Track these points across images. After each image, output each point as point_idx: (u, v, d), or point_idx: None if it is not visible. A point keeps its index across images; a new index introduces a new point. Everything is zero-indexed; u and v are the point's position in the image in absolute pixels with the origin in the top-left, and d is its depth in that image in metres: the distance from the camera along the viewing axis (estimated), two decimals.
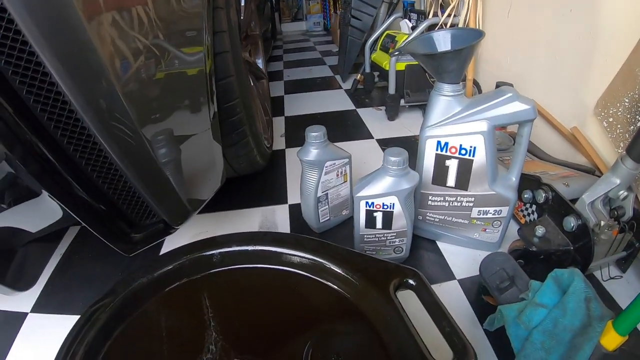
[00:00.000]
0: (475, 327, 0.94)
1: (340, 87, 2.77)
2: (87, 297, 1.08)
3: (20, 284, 0.81)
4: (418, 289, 0.72)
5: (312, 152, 1.08)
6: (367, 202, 0.97)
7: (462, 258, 1.13)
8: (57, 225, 0.81)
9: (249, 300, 0.82)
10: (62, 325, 1.01)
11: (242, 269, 0.84)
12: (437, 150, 0.99)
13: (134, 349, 0.72)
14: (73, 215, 0.70)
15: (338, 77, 2.99)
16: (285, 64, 3.64)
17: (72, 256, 1.23)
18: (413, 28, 2.10)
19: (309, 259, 0.81)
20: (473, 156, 0.97)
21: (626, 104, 1.06)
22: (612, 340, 0.67)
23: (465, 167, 0.99)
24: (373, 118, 2.18)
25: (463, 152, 0.97)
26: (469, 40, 0.90)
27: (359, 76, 2.57)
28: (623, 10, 1.11)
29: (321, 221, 1.21)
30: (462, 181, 1.02)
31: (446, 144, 0.97)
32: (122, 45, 0.65)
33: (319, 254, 0.80)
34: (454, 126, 0.95)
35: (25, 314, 1.05)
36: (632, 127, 1.05)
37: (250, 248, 0.85)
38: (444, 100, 0.95)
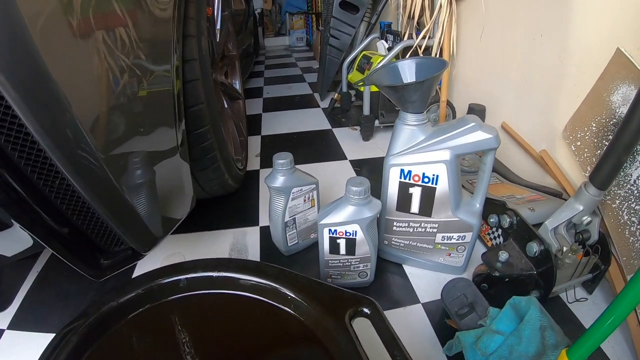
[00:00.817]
0: (436, 350, 0.96)
1: (318, 106, 2.81)
2: (63, 314, 1.09)
3: None
4: (373, 317, 0.73)
5: (279, 179, 1.09)
6: (330, 230, 0.98)
7: (427, 281, 1.15)
8: (31, 251, 0.81)
9: (214, 324, 0.84)
10: (38, 342, 1.02)
11: (207, 294, 0.85)
12: (400, 178, 1.01)
13: None
14: (42, 243, 0.71)
15: (317, 95, 3.00)
16: (266, 80, 3.66)
17: (48, 273, 1.24)
18: (389, 49, 2.12)
19: (269, 285, 0.82)
20: (436, 184, 0.99)
21: (593, 128, 1.09)
22: None
23: (428, 195, 1.01)
24: (348, 138, 2.21)
25: (426, 180, 0.99)
26: (433, 69, 0.93)
27: (336, 95, 2.58)
28: (591, 37, 1.14)
29: (289, 245, 1.22)
30: (426, 208, 1.04)
31: (409, 172, 0.99)
32: (81, 73, 0.66)
33: (279, 282, 0.81)
34: (417, 155, 0.97)
35: (2, 331, 1.06)
36: (598, 151, 1.08)
37: (214, 274, 0.86)
38: (408, 130, 0.98)
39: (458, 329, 0.91)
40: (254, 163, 1.91)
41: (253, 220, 1.48)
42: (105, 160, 0.71)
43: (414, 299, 1.10)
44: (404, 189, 1.03)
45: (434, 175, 0.98)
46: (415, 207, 1.05)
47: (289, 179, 1.10)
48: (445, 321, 1.01)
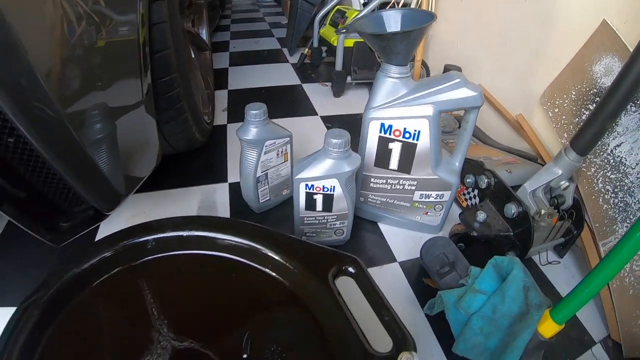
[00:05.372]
0: (415, 309, 0.96)
1: (287, 61, 2.74)
2: (22, 286, 1.04)
3: None
4: (357, 276, 0.72)
5: (252, 131, 1.05)
6: (306, 185, 0.95)
7: (403, 240, 1.15)
8: None
9: (187, 288, 0.80)
10: None
11: (177, 255, 0.83)
12: (380, 132, 0.98)
13: (72, 344, 0.70)
14: None
15: (285, 51, 2.96)
16: (233, 34, 3.57)
17: (5, 242, 1.17)
18: (364, 4, 2.08)
19: (245, 244, 0.80)
20: (417, 140, 0.97)
21: (573, 96, 1.11)
22: (549, 328, 0.71)
23: (408, 151, 0.99)
24: (318, 94, 2.17)
25: (407, 135, 0.97)
26: (419, 22, 0.90)
27: (306, 50, 2.55)
28: (576, 6, 1.13)
29: (261, 201, 1.19)
30: (405, 165, 1.02)
31: (390, 126, 0.97)
32: (38, 9, 0.61)
33: (255, 240, 0.79)
34: (399, 109, 0.95)
35: None
36: (576, 119, 1.10)
37: (185, 233, 0.84)
38: (390, 82, 0.94)
39: (437, 288, 0.91)
40: (220, 118, 1.86)
41: (221, 177, 1.45)
42: (64, 112, 0.67)
43: (391, 258, 1.09)
44: (383, 144, 1.00)
45: (415, 131, 0.96)
46: (394, 163, 1.02)
47: (263, 131, 1.06)
48: (422, 280, 1.02)
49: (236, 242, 0.81)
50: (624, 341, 0.94)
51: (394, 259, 1.09)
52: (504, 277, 0.83)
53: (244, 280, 0.79)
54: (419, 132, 0.95)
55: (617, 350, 0.94)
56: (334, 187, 0.95)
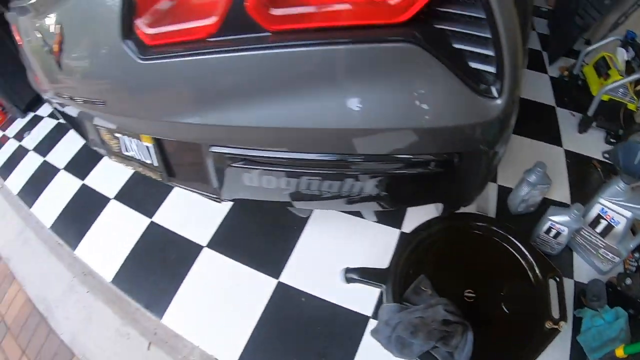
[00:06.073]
0: (570, 308, 1.59)
1: (546, 71, 2.69)
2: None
3: None
4: (557, 284, 1.42)
5: (530, 182, 1.75)
6: (551, 222, 1.60)
7: (582, 268, 1.75)
8: None
9: (479, 256, 1.55)
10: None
11: (479, 235, 1.59)
12: (599, 212, 1.62)
13: (425, 258, 1.48)
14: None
15: (545, 55, 2.81)
16: None
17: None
18: (628, 63, 2.19)
19: (512, 240, 1.54)
20: (616, 225, 1.59)
21: None
22: (620, 353, 1.30)
23: (609, 227, 1.61)
24: (566, 123, 2.34)
25: (612, 221, 1.59)
26: None
27: (565, 72, 2.55)
28: None
29: (518, 210, 1.88)
30: (604, 233, 1.64)
31: (605, 211, 1.60)
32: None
33: (520, 241, 1.52)
34: (614, 205, 1.56)
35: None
36: None
37: (483, 224, 1.59)
38: (617, 189, 1.54)
39: (586, 305, 1.57)
40: None
41: (493, 178, 2.00)
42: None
43: (571, 274, 1.72)
44: (597, 218, 1.63)
45: (617, 220, 1.58)
46: (599, 229, 1.65)
47: (537, 181, 1.75)
48: (580, 296, 1.66)
49: (508, 237, 1.53)
50: None
51: (572, 276, 1.70)
52: (618, 318, 1.41)
53: (505, 257, 1.51)
54: (618, 222, 1.57)
55: None
56: (564, 230, 1.59)
